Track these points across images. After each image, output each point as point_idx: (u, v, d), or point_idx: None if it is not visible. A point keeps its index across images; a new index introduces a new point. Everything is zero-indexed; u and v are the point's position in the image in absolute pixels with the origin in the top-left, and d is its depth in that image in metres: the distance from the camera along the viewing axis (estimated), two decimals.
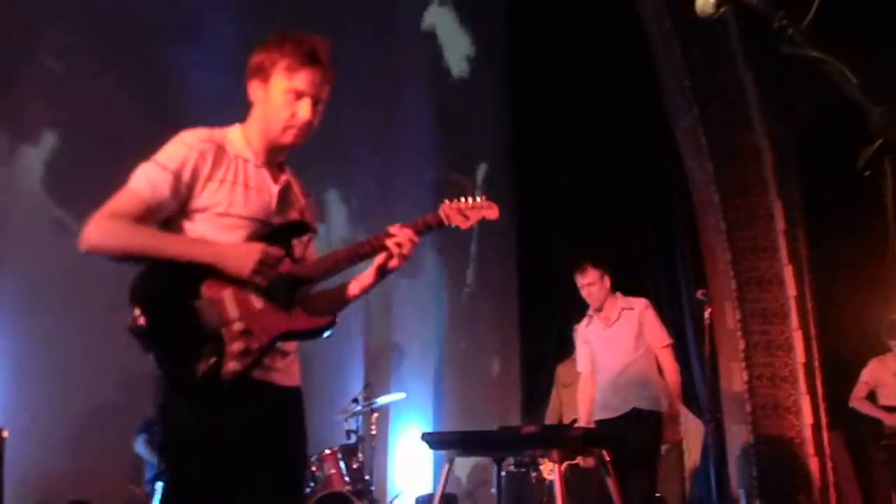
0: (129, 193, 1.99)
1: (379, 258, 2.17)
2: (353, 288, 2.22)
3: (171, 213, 2.03)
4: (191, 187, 2.02)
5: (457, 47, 8.42)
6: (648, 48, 6.75)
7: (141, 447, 4.79)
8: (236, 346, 1.92)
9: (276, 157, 2.18)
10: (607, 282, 4.59)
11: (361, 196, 7.04)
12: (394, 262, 2.16)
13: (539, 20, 7.86)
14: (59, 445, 4.85)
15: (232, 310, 1.95)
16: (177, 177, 1.99)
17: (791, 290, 6.36)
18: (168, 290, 1.94)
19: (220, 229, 2.03)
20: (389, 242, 2.13)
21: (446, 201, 2.29)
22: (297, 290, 2.10)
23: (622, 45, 6.99)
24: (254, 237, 2.05)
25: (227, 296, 1.96)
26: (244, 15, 6.02)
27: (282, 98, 2.06)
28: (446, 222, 2.25)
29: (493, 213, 2.32)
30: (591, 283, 4.54)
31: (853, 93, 1.42)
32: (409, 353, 7.12)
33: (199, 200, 2.03)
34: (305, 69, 2.06)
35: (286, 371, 2.10)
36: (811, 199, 6.55)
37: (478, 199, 2.30)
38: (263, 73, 2.09)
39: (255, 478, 2.01)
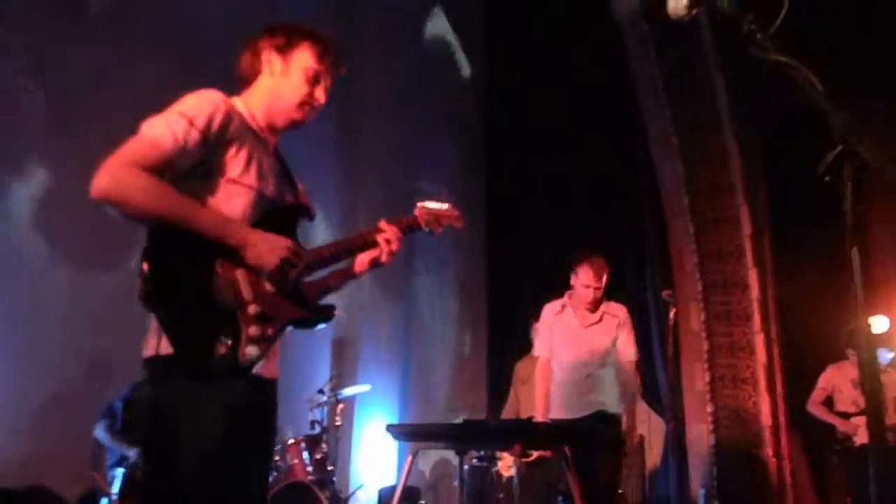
0: (148, 142, 1.83)
1: (372, 252, 2.22)
2: (335, 278, 2.27)
3: (188, 164, 1.89)
4: (212, 147, 1.91)
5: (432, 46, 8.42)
6: (623, 49, 6.81)
7: (101, 433, 4.74)
8: (253, 330, 1.84)
9: (273, 135, 2.13)
10: None
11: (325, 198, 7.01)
12: (384, 258, 2.23)
13: (515, 15, 7.91)
14: (18, 431, 4.78)
15: (246, 291, 1.87)
16: (202, 132, 1.88)
17: (755, 294, 6.46)
18: (184, 266, 1.83)
19: (224, 196, 1.93)
20: (380, 238, 2.19)
21: (419, 204, 2.40)
22: (301, 277, 2.06)
23: (596, 47, 7.04)
24: (261, 215, 1.98)
25: (241, 276, 1.87)
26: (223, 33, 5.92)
27: (302, 75, 2.07)
28: (424, 227, 2.37)
29: (459, 223, 2.47)
30: (599, 287, 4.53)
31: (817, 98, 1.45)
32: (375, 345, 7.11)
33: (212, 162, 1.93)
34: (332, 58, 2.11)
35: (274, 361, 2.05)
36: (777, 205, 6.67)
37: (446, 205, 2.44)
38: (285, 48, 2.08)
39: (244, 470, 1.94)
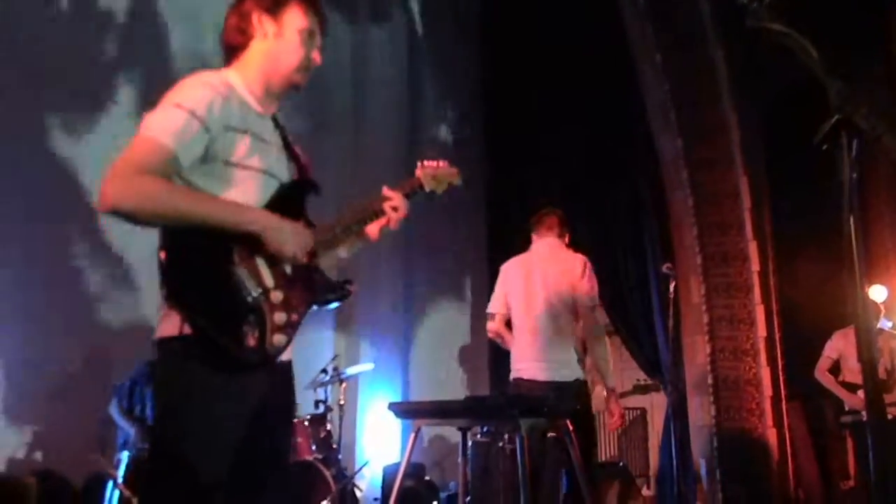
0: (153, 144, 1.74)
1: (381, 221, 2.19)
2: (343, 252, 2.22)
3: (193, 159, 1.80)
4: (216, 134, 1.81)
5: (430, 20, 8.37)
6: (621, 24, 6.76)
7: (113, 410, 4.81)
8: (278, 318, 1.80)
9: (271, 104, 2.03)
10: None
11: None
12: (392, 225, 2.20)
13: None
14: (23, 418, 4.82)
15: (268, 278, 1.83)
16: (203, 122, 1.78)
17: (755, 266, 6.47)
18: (204, 255, 1.77)
19: (232, 181, 1.86)
20: (387, 206, 2.16)
21: (419, 164, 2.36)
22: (316, 256, 2.02)
23: (594, 20, 6.99)
24: (271, 196, 1.91)
25: (261, 263, 1.83)
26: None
27: (297, 36, 1.98)
28: (426, 188, 2.33)
29: (457, 179, 2.43)
30: None
31: (814, 67, 1.44)
32: (378, 324, 7.14)
33: (217, 148, 1.83)
34: (318, 12, 2.03)
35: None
36: (777, 177, 6.66)
37: (444, 162, 2.40)
38: (275, 8, 1.97)
39: (268, 456, 1.90)
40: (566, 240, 4.29)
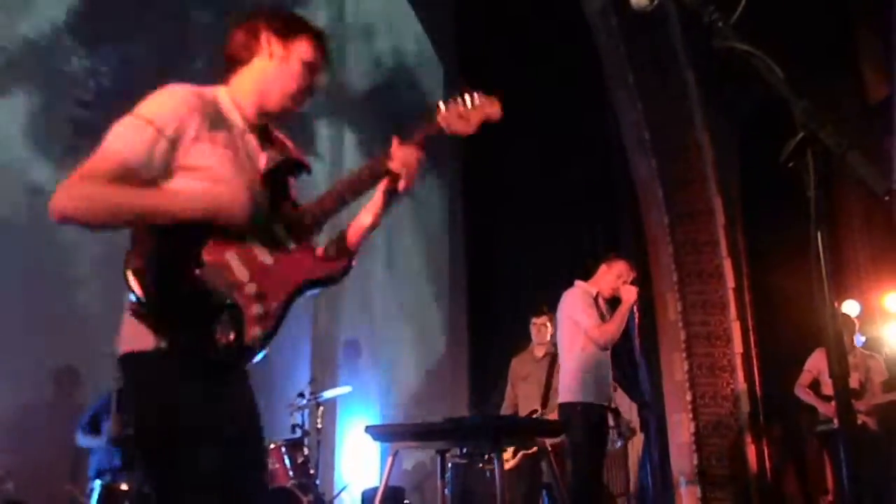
0: (107, 152, 1.73)
1: (384, 182, 2.03)
2: (365, 218, 2.07)
3: (154, 175, 1.77)
4: (177, 146, 1.78)
5: (403, 44, 8.42)
6: (594, 44, 6.83)
7: (86, 439, 4.71)
8: (254, 310, 1.76)
9: (260, 121, 2.00)
10: None
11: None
12: (402, 185, 2.02)
13: (485, 11, 7.93)
14: None
15: (240, 271, 1.79)
16: (161, 132, 1.76)
17: (730, 283, 6.54)
18: (168, 263, 1.73)
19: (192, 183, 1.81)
20: (394, 166, 2.00)
21: (441, 106, 2.07)
22: (306, 235, 1.94)
23: (567, 42, 7.07)
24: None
25: (232, 257, 1.79)
26: None
27: (300, 66, 1.97)
28: (448, 131, 2.06)
29: (495, 109, 2.13)
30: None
31: (779, 86, 1.46)
32: (355, 347, 7.09)
33: (184, 160, 1.80)
34: (326, 53, 2.02)
35: None
36: (750, 195, 6.74)
37: (475, 98, 2.09)
38: (285, 35, 1.97)
39: (247, 466, 1.85)
40: (607, 277, 4.64)
